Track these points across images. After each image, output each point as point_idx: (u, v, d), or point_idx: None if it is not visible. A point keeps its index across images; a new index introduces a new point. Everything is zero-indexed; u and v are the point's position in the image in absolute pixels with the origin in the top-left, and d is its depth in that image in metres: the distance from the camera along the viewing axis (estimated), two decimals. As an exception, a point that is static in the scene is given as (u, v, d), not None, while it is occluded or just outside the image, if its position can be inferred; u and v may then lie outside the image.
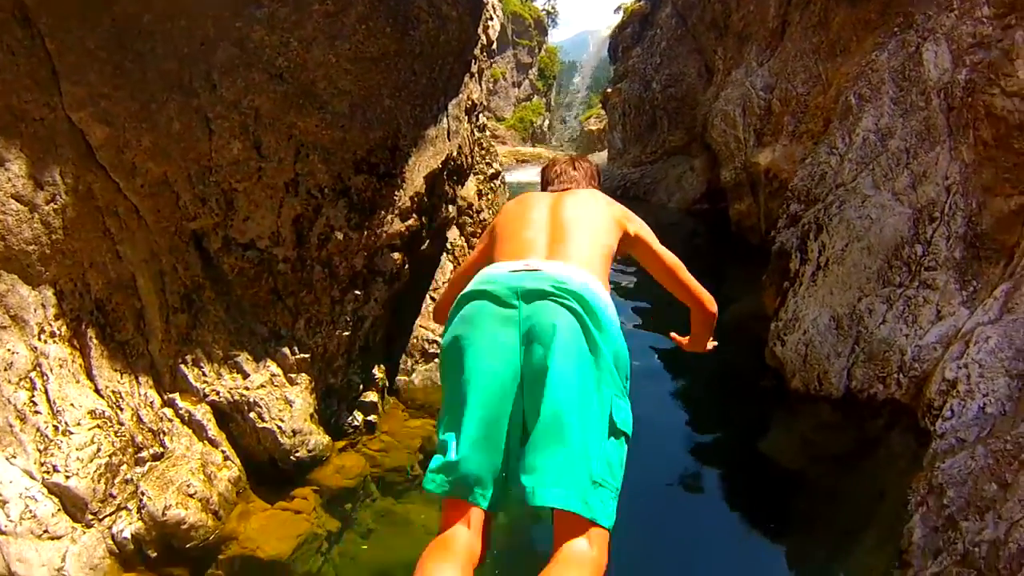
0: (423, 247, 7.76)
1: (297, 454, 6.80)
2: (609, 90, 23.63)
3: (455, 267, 9.20)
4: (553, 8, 59.73)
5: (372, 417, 7.80)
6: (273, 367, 6.78)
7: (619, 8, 27.31)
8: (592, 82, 59.32)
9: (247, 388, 6.62)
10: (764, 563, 5.93)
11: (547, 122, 56.39)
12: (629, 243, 3.37)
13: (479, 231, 9.62)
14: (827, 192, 8.66)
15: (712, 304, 3.82)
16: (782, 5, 13.49)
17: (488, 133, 9.94)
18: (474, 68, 8.21)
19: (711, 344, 4.30)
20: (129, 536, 5.77)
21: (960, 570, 4.86)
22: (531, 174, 26.50)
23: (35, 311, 5.78)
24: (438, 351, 8.66)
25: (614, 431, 2.66)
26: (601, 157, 27.73)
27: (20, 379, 5.67)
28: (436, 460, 2.89)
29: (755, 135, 13.91)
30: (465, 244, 9.42)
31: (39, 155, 5.69)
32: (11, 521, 5.36)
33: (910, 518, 5.50)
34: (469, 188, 9.24)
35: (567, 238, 3.04)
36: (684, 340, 4.27)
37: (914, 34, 8.12)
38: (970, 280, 6.82)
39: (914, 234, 7.28)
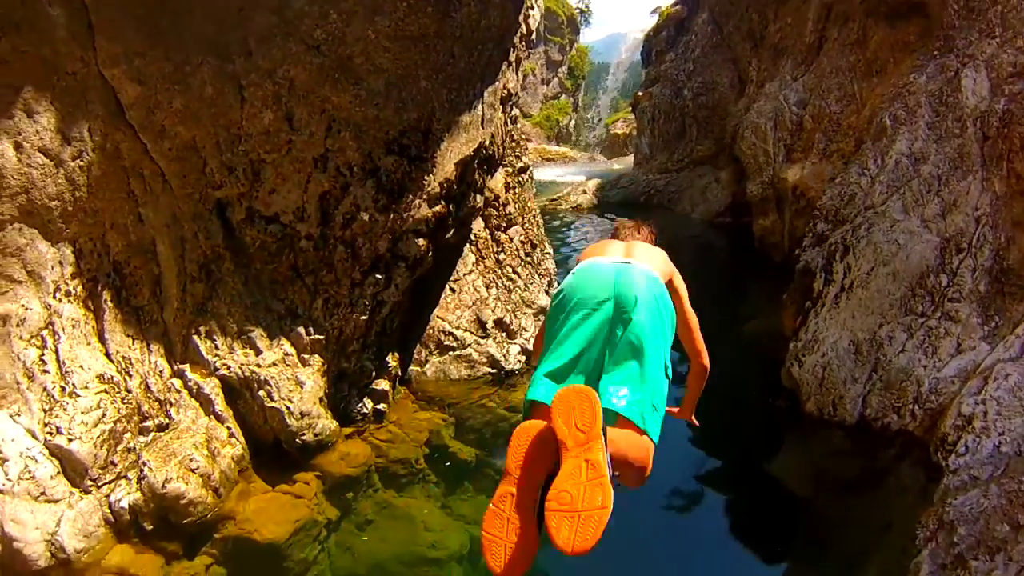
0: (448, 235, 7.67)
1: (303, 437, 6.75)
2: (640, 93, 23.47)
3: (477, 259, 9.14)
4: (587, 7, 59.40)
5: (382, 406, 7.73)
6: (287, 346, 6.72)
7: (655, 10, 27.15)
8: (621, 85, 59.15)
9: (259, 365, 6.56)
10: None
11: (573, 122, 56.23)
12: (670, 290, 3.87)
13: (504, 224, 9.54)
14: (856, 213, 8.56)
15: (707, 360, 4.38)
16: (820, 20, 13.36)
17: (519, 126, 9.81)
18: (512, 57, 8.11)
19: (694, 420, 4.90)
20: (126, 506, 5.73)
21: None
22: (555, 173, 26.45)
23: (52, 268, 5.74)
24: (453, 344, 8.78)
25: (665, 373, 3.37)
26: (626, 162, 27.61)
27: (32, 336, 5.64)
28: (538, 376, 3.49)
29: (785, 150, 13.78)
30: (489, 236, 9.34)
31: (69, 110, 5.62)
32: (9, 480, 5.33)
33: (918, 553, 5.44)
34: (497, 180, 9.15)
35: (638, 257, 3.84)
36: (675, 410, 4.74)
37: (954, 59, 8.02)
38: (993, 315, 6.74)
39: (940, 263, 7.20)
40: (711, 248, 16.04)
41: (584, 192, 20.99)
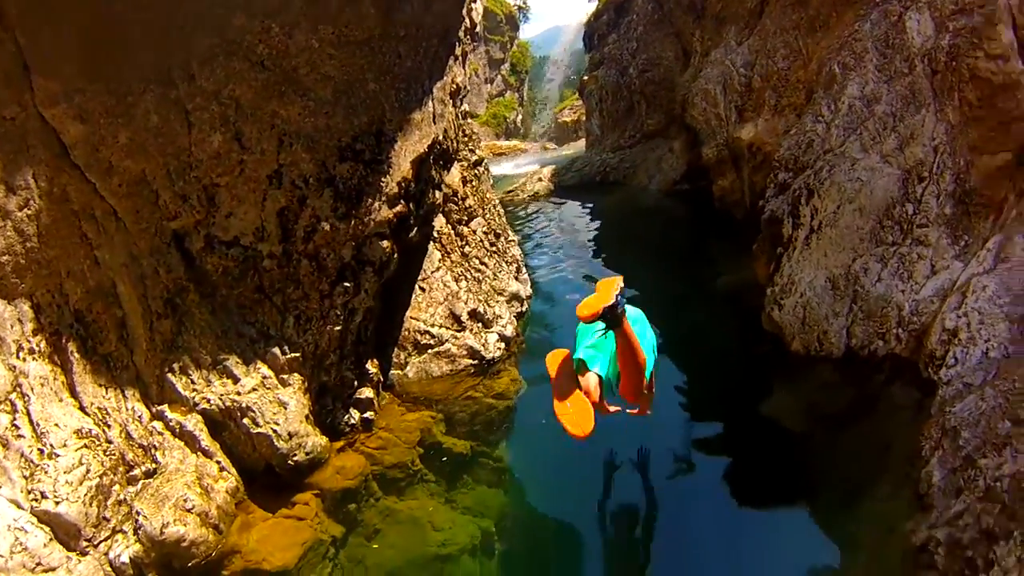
0: (411, 235, 7.60)
1: (295, 457, 6.64)
2: (586, 78, 23.51)
3: (443, 255, 9.07)
4: (524, 3, 59.44)
5: (369, 414, 7.64)
6: (264, 369, 6.61)
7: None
8: (564, 76, 59.30)
9: (238, 393, 6.45)
10: (778, 522, 5.91)
11: (520, 117, 56.22)
12: None
13: (465, 218, 9.49)
14: (815, 158, 8.75)
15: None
16: (760, -15, 13.50)
17: (469, 121, 9.75)
18: (458, 51, 8.07)
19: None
20: (127, 560, 5.58)
21: (984, 505, 4.92)
22: (509, 166, 26.46)
23: (12, 327, 5.57)
24: (431, 342, 8.70)
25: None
26: (578, 147, 27.68)
27: (0, 402, 5.46)
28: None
29: (736, 111, 13.93)
30: (452, 231, 9.28)
31: (10, 157, 5.46)
32: (1, 556, 5.12)
33: (926, 463, 5.62)
34: (454, 175, 9.10)
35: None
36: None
37: (896, 4, 8.22)
38: (961, 235, 6.99)
39: (904, 194, 7.44)
40: (672, 215, 16.12)
41: (540, 179, 20.96)
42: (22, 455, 5.42)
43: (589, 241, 15.13)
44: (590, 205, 18.27)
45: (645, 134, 20.09)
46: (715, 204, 14.65)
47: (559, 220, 17.42)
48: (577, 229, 16.28)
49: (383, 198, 6.87)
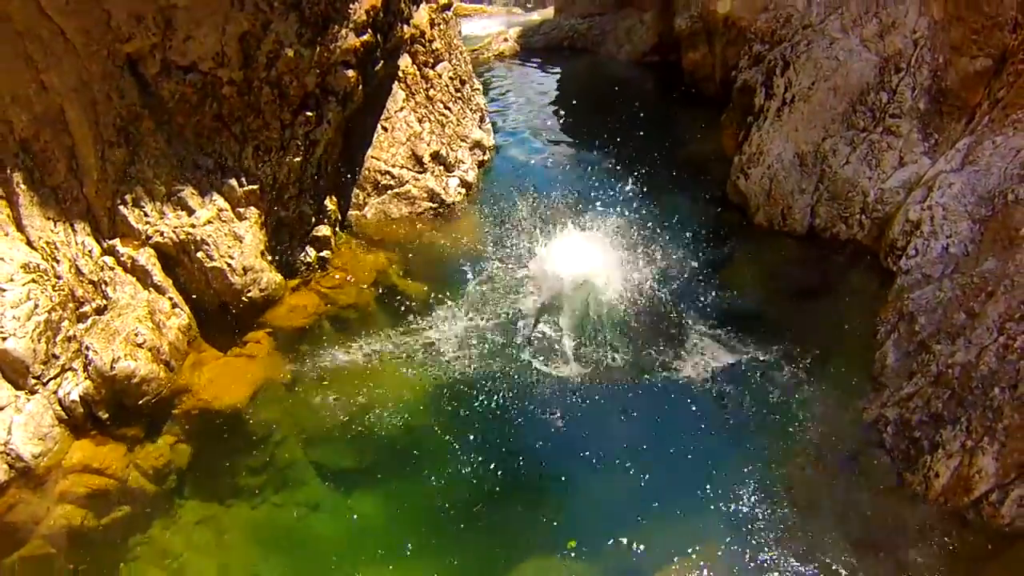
0: (377, 68, 7.31)
1: (249, 294, 6.51)
2: (557, -63, 22.63)
3: (407, 95, 8.78)
4: None
5: (325, 253, 7.52)
6: (220, 201, 6.38)
7: None
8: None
9: (193, 226, 6.22)
10: (731, 392, 6.04)
11: (485, -21, 54.36)
12: None
13: (431, 61, 9.17)
14: (793, 32, 8.59)
15: None
16: None
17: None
18: None
19: None
20: (77, 398, 5.45)
21: (935, 389, 5.13)
22: (474, 26, 25.67)
23: None
24: (391, 183, 8.49)
25: None
26: (546, 14, 26.92)
27: None
28: None
29: (713, -17, 13.56)
30: (417, 73, 8.96)
31: None
32: None
33: (881, 345, 5.82)
34: (422, 15, 8.72)
35: None
36: None
37: None
38: (932, 132, 7.08)
39: (880, 81, 7.46)
40: (640, 85, 15.83)
41: (506, 40, 20.33)
42: None
43: (553, 103, 14.86)
44: (556, 69, 17.87)
45: (617, 2, 19.53)
46: (685, 78, 14.44)
47: (524, 81, 17.04)
48: (542, 91, 15.95)
49: (350, 26, 6.55)
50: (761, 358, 6.23)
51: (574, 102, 14.73)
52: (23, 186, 5.61)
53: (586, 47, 19.51)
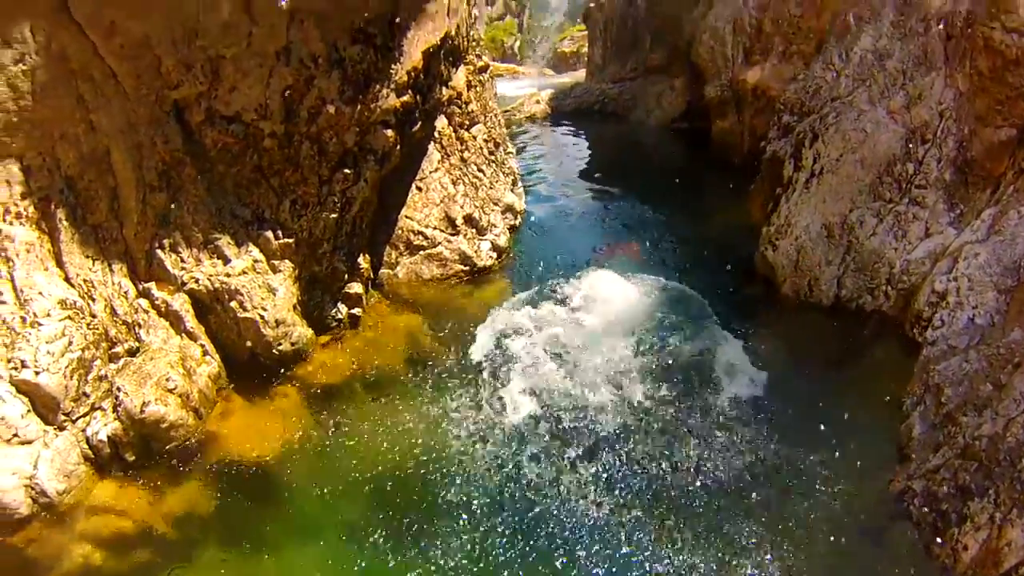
0: (415, 128, 7.47)
1: (280, 346, 6.60)
2: (592, 5, 23.05)
3: (443, 156, 8.96)
4: (533, -77, 57.96)
5: (356, 310, 7.60)
6: (256, 252, 6.52)
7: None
8: (565, 7, 58.41)
9: (228, 275, 6.35)
10: (754, 461, 5.98)
11: (518, 43, 55.36)
12: None
13: (467, 122, 9.36)
14: (822, 104, 8.70)
15: None
16: (779, -74, 13.25)
17: (478, 26, 9.56)
18: (475, -54, 7.84)
19: None
20: (105, 438, 5.51)
21: (962, 461, 5.08)
22: (507, 87, 26.07)
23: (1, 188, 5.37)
24: (423, 243, 8.62)
25: None
26: (577, 76, 27.33)
27: None
28: None
29: (744, 53, 13.78)
30: (453, 134, 9.15)
31: (7, 7, 5.17)
32: None
33: (907, 416, 5.79)
34: (459, 77, 8.92)
35: None
36: None
37: None
38: (957, 203, 7.09)
39: (906, 152, 7.49)
40: (669, 152, 16.05)
41: (538, 102, 20.67)
42: (3, 322, 5.29)
43: (583, 168, 14.99)
44: (586, 133, 18.09)
45: (648, 68, 19.77)
46: (713, 146, 14.58)
47: (555, 144, 17.27)
48: (572, 155, 16.14)
49: (391, 86, 6.72)
50: (785, 429, 6.19)
51: (604, 167, 14.88)
52: (65, 223, 5.72)
53: (616, 112, 19.74)
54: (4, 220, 5.41)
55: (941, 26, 7.53)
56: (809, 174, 8.28)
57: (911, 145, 7.47)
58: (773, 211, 8.66)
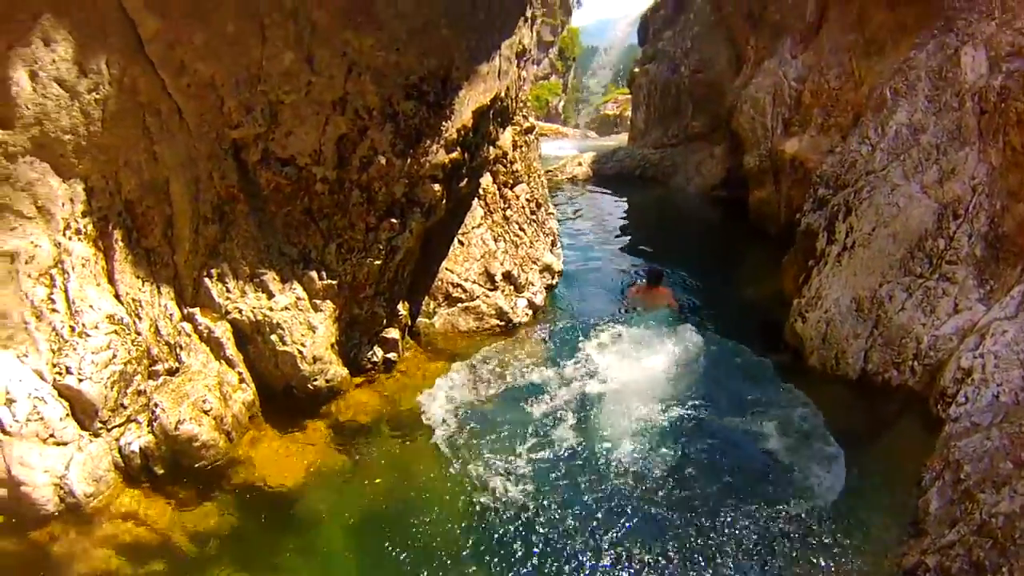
0: (462, 184, 7.71)
1: (315, 382, 6.79)
2: (636, 70, 23.47)
3: (486, 213, 9.19)
4: (580, -11, 58.82)
5: (392, 355, 7.78)
6: (299, 290, 6.74)
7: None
8: (610, 69, 59.09)
9: (271, 309, 6.58)
10: (771, 531, 5.97)
11: (562, 103, 56.07)
12: None
13: (511, 181, 9.62)
14: (857, 178, 8.83)
15: None
16: (821, 1, 13.51)
17: (526, 87, 9.86)
18: (528, 13, 8.14)
19: None
20: (137, 449, 5.70)
21: (978, 538, 5.07)
22: (549, 147, 26.48)
23: (63, 205, 5.67)
24: (462, 296, 8.84)
25: None
26: (619, 139, 27.71)
27: (40, 274, 5.57)
28: None
29: (783, 124, 14.00)
30: (497, 192, 9.40)
31: (87, 41, 5.52)
32: (16, 421, 5.26)
33: (925, 492, 5.78)
34: (506, 137, 9.19)
35: None
36: None
37: (954, 38, 8.37)
38: (988, 279, 7.10)
39: (938, 228, 7.54)
40: (706, 219, 16.23)
41: (580, 164, 21.06)
42: (53, 329, 5.54)
43: (621, 231, 15.22)
44: (626, 197, 18.37)
45: (689, 135, 20.10)
46: (750, 215, 14.71)
47: (595, 207, 17.53)
48: (611, 218, 16.39)
49: (441, 142, 6.97)
50: (804, 501, 6.19)
51: (642, 232, 15.09)
52: (120, 243, 6.00)
53: (656, 177, 20.02)
54: (64, 234, 5.70)
55: (975, 101, 7.65)
56: (841, 248, 8.39)
57: (943, 220, 7.51)
58: (805, 283, 8.76)
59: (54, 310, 5.60)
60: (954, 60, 8.16)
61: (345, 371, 7.09)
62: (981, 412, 5.99)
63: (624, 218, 16.57)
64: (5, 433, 5.22)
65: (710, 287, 11.11)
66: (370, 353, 7.55)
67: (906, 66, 8.90)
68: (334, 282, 6.83)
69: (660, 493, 6.27)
